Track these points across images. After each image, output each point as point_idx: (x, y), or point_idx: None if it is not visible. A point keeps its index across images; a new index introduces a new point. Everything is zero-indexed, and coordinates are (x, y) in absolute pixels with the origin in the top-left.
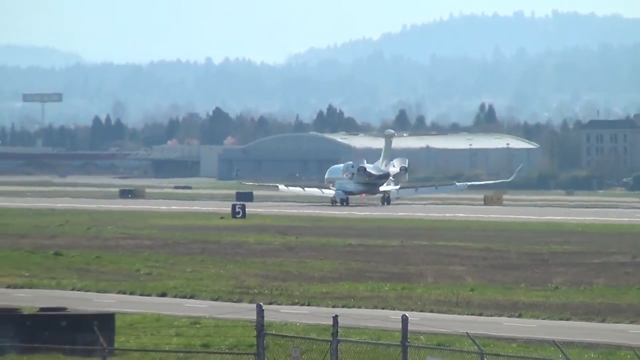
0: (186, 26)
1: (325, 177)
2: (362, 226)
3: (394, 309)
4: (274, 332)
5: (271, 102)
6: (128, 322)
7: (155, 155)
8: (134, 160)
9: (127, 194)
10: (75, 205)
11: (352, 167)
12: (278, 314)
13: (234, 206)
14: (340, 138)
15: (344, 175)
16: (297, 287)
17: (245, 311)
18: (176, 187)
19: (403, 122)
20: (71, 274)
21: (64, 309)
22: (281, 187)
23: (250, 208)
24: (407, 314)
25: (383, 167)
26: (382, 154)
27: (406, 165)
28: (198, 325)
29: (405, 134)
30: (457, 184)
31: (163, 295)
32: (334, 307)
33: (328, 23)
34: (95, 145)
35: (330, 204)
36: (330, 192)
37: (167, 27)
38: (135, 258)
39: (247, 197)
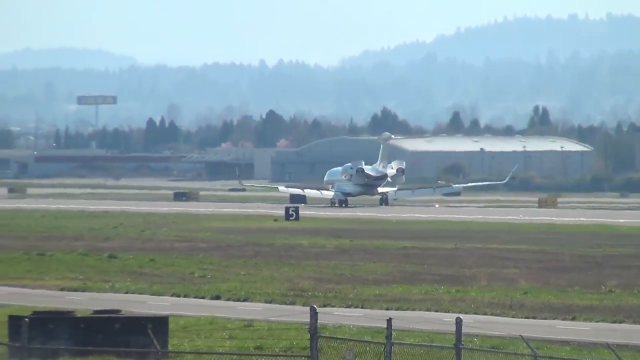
0: (240, 28)
1: (325, 179)
2: (416, 229)
3: (448, 312)
4: (327, 334)
5: (325, 104)
6: (182, 325)
7: (209, 158)
8: (188, 162)
9: (181, 196)
10: (130, 207)
11: (351, 168)
12: (332, 316)
13: (287, 209)
14: (394, 141)
15: (343, 177)
16: (350, 290)
17: (299, 314)
18: (231, 190)
19: (457, 125)
20: (125, 277)
21: (117, 311)
22: (281, 188)
23: (304, 211)
24: (461, 317)
25: (381, 169)
26: (380, 156)
27: (403, 167)
28: (251, 328)
29: (459, 136)
30: (454, 185)
31: (217, 298)
32: (387, 309)
33: (382, 25)
34: (149, 148)
35: (329, 205)
36: (329, 194)
37: (221, 30)
38: (189, 261)
39: (301, 199)
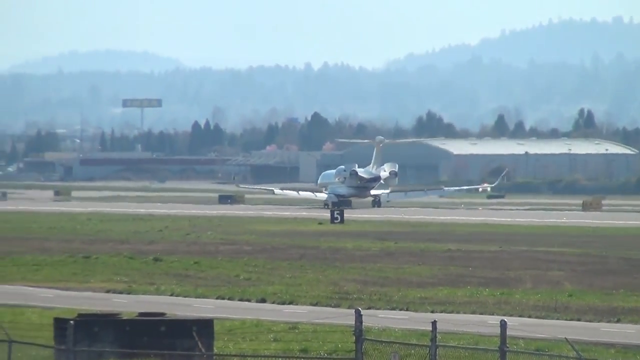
0: (286, 31)
1: (318, 182)
2: (460, 231)
3: (493, 314)
4: (372, 337)
5: (370, 107)
6: (227, 328)
7: (254, 161)
8: (233, 165)
9: (226, 199)
10: (175, 210)
11: (344, 171)
12: (376, 319)
13: (332, 212)
14: (439, 144)
15: (337, 179)
16: (395, 292)
17: (344, 316)
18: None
19: (502, 127)
20: (170, 280)
21: (163, 314)
22: (277, 190)
23: (349, 214)
24: (505, 319)
25: (374, 172)
26: (373, 159)
27: (396, 170)
28: (297, 331)
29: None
30: (445, 188)
31: (262, 300)
32: (432, 312)
33: (427, 28)
34: (194, 151)
35: (322, 207)
36: (323, 196)
37: (267, 32)
38: (235, 263)
39: (347, 202)
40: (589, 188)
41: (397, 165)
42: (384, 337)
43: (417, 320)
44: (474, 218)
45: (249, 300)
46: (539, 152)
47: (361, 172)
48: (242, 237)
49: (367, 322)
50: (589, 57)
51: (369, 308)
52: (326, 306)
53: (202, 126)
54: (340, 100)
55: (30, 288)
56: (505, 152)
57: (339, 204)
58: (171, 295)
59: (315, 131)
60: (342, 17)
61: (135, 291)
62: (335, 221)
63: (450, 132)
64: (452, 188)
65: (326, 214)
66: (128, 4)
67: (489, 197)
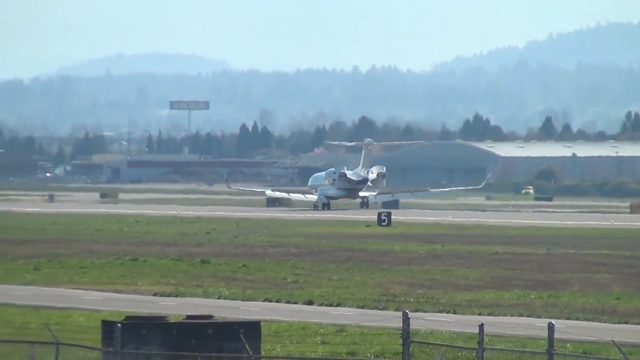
0: (333, 34)
1: (309, 184)
2: (508, 234)
3: (540, 317)
4: (419, 339)
5: (417, 110)
6: (274, 330)
7: (302, 163)
8: (281, 168)
9: (274, 202)
10: (222, 213)
11: (334, 173)
12: (424, 321)
13: (379, 214)
14: (487, 146)
15: (326, 181)
16: (442, 295)
17: (391, 319)
18: None
19: (549, 130)
20: (218, 282)
21: (210, 317)
22: (268, 192)
23: (396, 216)
24: (553, 322)
25: (362, 174)
26: (361, 161)
27: (384, 172)
28: (344, 333)
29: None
30: (431, 190)
31: (309, 303)
32: (479, 314)
33: (474, 31)
34: (242, 153)
35: (312, 208)
36: (313, 197)
37: (315, 35)
38: (282, 266)
39: (393, 204)
40: (636, 190)
41: (384, 168)
42: (431, 339)
43: (464, 323)
44: (521, 220)
45: (296, 303)
46: (586, 154)
47: (350, 174)
48: (290, 240)
49: (414, 324)
50: (637, 59)
51: (416, 310)
52: (373, 309)
53: (250, 129)
54: (388, 102)
55: (78, 290)
56: (552, 155)
57: (328, 205)
58: (219, 297)
59: (363, 134)
60: (390, 20)
61: (183, 294)
62: (383, 223)
63: (497, 134)
64: (438, 189)
65: (373, 217)
66: (176, 7)
67: (537, 199)
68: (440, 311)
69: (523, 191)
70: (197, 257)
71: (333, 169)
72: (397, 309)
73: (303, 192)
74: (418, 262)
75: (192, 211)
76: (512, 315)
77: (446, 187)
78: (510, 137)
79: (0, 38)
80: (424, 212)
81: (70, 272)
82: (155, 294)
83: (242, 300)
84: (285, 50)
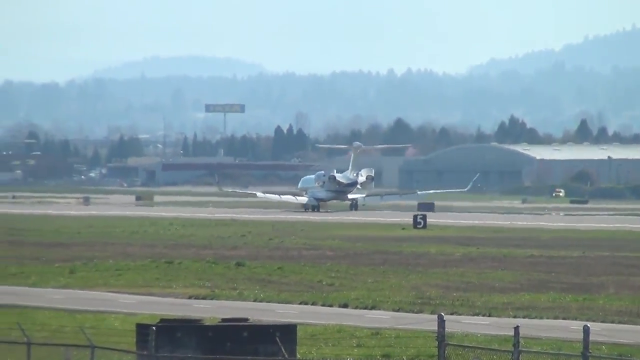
0: (369, 37)
1: (299, 186)
2: (543, 237)
3: (575, 320)
4: (455, 342)
5: (452, 112)
6: (310, 333)
7: (337, 166)
8: (317, 170)
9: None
10: (258, 216)
11: (324, 175)
12: (459, 324)
13: (415, 217)
14: (522, 149)
15: (316, 184)
16: (478, 298)
17: (427, 322)
18: None
19: (584, 133)
20: (253, 285)
21: (246, 319)
22: (259, 194)
23: (432, 219)
24: (588, 325)
25: (351, 176)
26: (350, 164)
27: (372, 175)
28: (379, 336)
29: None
30: (419, 192)
31: (345, 306)
32: (515, 317)
33: (509, 34)
34: (277, 156)
35: (303, 210)
36: (303, 199)
37: (350, 38)
38: (317, 269)
39: (429, 207)
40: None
41: (373, 170)
42: (466, 342)
43: (500, 326)
44: (556, 223)
45: (331, 306)
46: (621, 157)
47: (339, 176)
48: (325, 243)
49: (449, 327)
50: None
51: (452, 313)
52: (409, 311)
53: (285, 131)
54: (423, 105)
55: (113, 293)
56: (588, 158)
57: (318, 207)
58: (254, 300)
59: (398, 137)
60: (426, 22)
61: (218, 297)
62: (418, 226)
63: (533, 137)
64: (425, 192)
65: (409, 219)
66: (211, 10)
67: (572, 202)
68: (476, 314)
69: (553, 194)
70: (232, 260)
71: (322, 171)
72: (432, 312)
73: (294, 194)
74: (454, 264)
75: (227, 214)
76: (547, 318)
77: (450, 190)
78: (546, 140)
79: (36, 41)
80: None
81: (105, 275)
82: (190, 297)
83: (278, 303)
84: (320, 53)
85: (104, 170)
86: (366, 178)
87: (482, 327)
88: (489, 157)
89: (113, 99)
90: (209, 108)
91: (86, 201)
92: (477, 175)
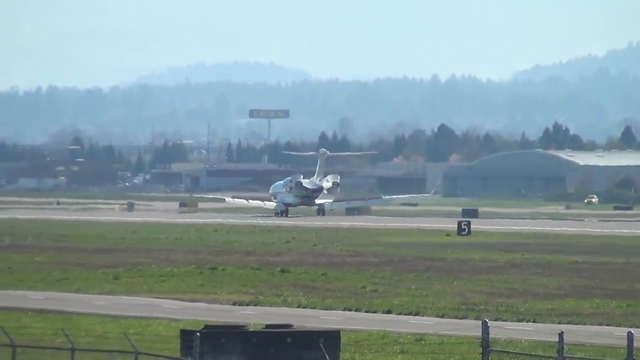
0: (412, 43)
1: (269, 191)
2: (587, 243)
3: (619, 326)
4: (499, 348)
5: (496, 118)
6: (353, 339)
7: (381, 172)
8: (360, 177)
9: (353, 211)
10: (302, 222)
11: (291, 181)
12: (503, 330)
13: (459, 223)
14: (566, 155)
15: (284, 190)
16: (522, 304)
17: (471, 328)
18: (403, 204)
19: (629, 139)
20: (297, 291)
21: (289, 325)
22: (228, 199)
23: (476, 225)
24: (632, 331)
25: (318, 182)
26: (317, 170)
27: (338, 181)
28: (423, 342)
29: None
30: (384, 197)
31: (388, 312)
32: (559, 323)
33: (553, 40)
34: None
35: (274, 215)
36: (271, 204)
37: (394, 45)
38: (361, 275)
39: (473, 213)
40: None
41: (338, 177)
42: (510, 348)
43: (544, 332)
44: (600, 230)
45: (375, 312)
46: None
47: (306, 182)
48: (369, 249)
49: (493, 333)
50: None
51: (496, 319)
52: (453, 318)
53: (329, 137)
54: (467, 111)
55: (157, 300)
56: (632, 164)
57: (286, 212)
58: (298, 307)
59: (442, 143)
60: (469, 28)
61: (262, 303)
62: (463, 233)
63: (576, 143)
64: (391, 197)
65: (453, 226)
66: (256, 16)
67: (616, 208)
68: (520, 320)
69: (585, 200)
70: (276, 266)
71: (290, 177)
72: (476, 318)
73: (262, 200)
74: (497, 271)
75: (271, 220)
76: (591, 324)
77: (410, 195)
78: (590, 146)
79: (80, 47)
80: (506, 221)
81: (150, 281)
82: (234, 303)
83: (322, 309)
84: (364, 59)
85: (147, 176)
86: (332, 184)
87: (526, 333)
88: (533, 164)
89: (157, 105)
90: (253, 114)
91: (130, 207)
92: (438, 183)
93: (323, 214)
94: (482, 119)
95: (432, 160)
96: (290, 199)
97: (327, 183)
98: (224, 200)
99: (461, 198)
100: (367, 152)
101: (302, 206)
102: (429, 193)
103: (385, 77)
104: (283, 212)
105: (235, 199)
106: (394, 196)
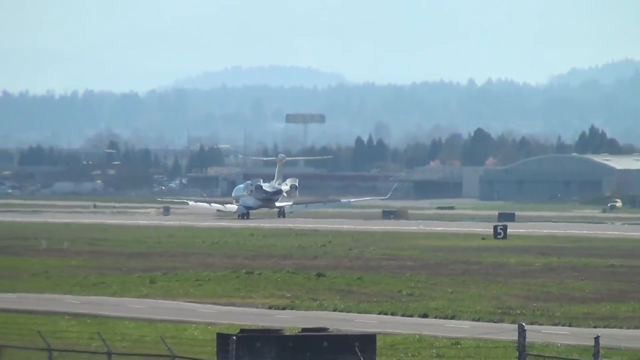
0: (448, 47)
1: (232, 195)
2: (624, 246)
3: None
4: (535, 352)
5: (533, 122)
6: (389, 343)
7: (417, 177)
8: (396, 181)
9: (389, 215)
10: (338, 226)
11: (251, 185)
12: (539, 334)
13: (495, 227)
14: (602, 159)
15: (245, 193)
16: (558, 308)
17: (507, 332)
18: (439, 208)
19: None
20: (333, 295)
21: (325, 329)
22: (190, 202)
23: (512, 229)
24: None
25: (277, 186)
26: (276, 174)
27: (296, 184)
28: (459, 346)
29: None
30: (342, 200)
31: (424, 315)
32: (595, 327)
33: (590, 44)
34: (357, 166)
35: (237, 218)
36: (232, 207)
37: (430, 49)
38: (397, 279)
39: (509, 217)
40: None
41: (297, 180)
42: (546, 352)
43: (580, 336)
44: (637, 233)
45: (411, 316)
46: None
47: (265, 186)
48: (405, 253)
49: (529, 337)
50: None
51: (532, 323)
52: (489, 321)
53: (365, 142)
54: (504, 115)
55: (193, 304)
56: None
57: (247, 215)
58: (334, 310)
59: (479, 147)
60: (506, 32)
61: (298, 307)
62: (499, 237)
63: (613, 147)
64: (348, 200)
65: (489, 230)
66: (291, 20)
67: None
68: (556, 324)
69: (609, 204)
70: (312, 270)
71: (250, 181)
72: (512, 322)
73: (223, 203)
74: (534, 274)
75: (307, 224)
76: (628, 328)
77: (367, 198)
78: (627, 150)
79: (116, 52)
80: (545, 224)
81: (186, 285)
82: (270, 307)
83: (358, 313)
84: (400, 63)
85: (184, 180)
86: (290, 187)
87: (562, 337)
88: (569, 167)
89: (193, 109)
90: (289, 118)
91: (166, 211)
92: (396, 184)
93: (284, 217)
94: (519, 123)
95: (469, 164)
96: (251, 201)
97: (285, 186)
98: (187, 203)
99: (497, 202)
100: (321, 157)
101: (263, 208)
102: (385, 196)
103: (422, 81)
104: (244, 214)
105: (198, 203)
106: (353, 199)
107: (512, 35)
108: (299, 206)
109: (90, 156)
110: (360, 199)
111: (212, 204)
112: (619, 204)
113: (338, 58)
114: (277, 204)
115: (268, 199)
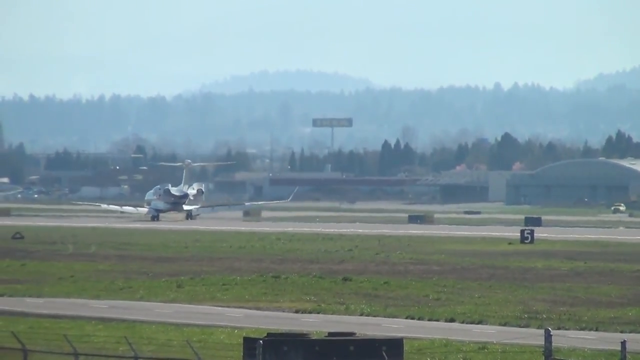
0: (475, 52)
1: (145, 198)
2: None
3: None
4: (561, 357)
5: (560, 127)
6: (416, 347)
7: (444, 181)
8: (423, 185)
9: (415, 219)
10: (364, 230)
11: (160, 189)
12: (565, 339)
13: (522, 231)
14: (629, 164)
15: (155, 197)
16: (584, 312)
17: (533, 336)
18: (466, 212)
19: None
20: (359, 299)
21: (352, 333)
22: (103, 205)
23: (539, 233)
24: None
25: (184, 190)
26: (183, 179)
27: (202, 189)
28: (486, 351)
29: None
30: (246, 203)
31: (451, 320)
32: (622, 332)
33: (617, 48)
34: (384, 171)
35: (149, 220)
36: (143, 210)
37: (457, 53)
38: (424, 283)
39: (536, 222)
40: (268, 203)
41: (203, 185)
42: (573, 357)
43: (606, 341)
44: None
45: (438, 320)
46: None
47: (173, 190)
48: (432, 257)
49: (556, 342)
50: None
51: (559, 328)
52: (515, 326)
53: (392, 146)
54: (530, 120)
55: (220, 308)
56: None
57: (157, 217)
58: (361, 315)
59: (505, 151)
60: (533, 37)
61: (325, 311)
62: (526, 241)
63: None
64: (252, 203)
65: (516, 234)
66: (319, 25)
67: None
68: (582, 329)
69: (612, 208)
70: (339, 275)
71: (159, 185)
72: (539, 327)
73: (135, 206)
74: (560, 279)
75: (334, 228)
76: None
77: (276, 201)
78: None
79: (143, 56)
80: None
81: (212, 290)
82: (296, 311)
83: (384, 318)
84: (427, 67)
85: (211, 185)
86: (197, 191)
87: (589, 342)
88: (596, 172)
89: (220, 114)
90: (316, 123)
91: (193, 216)
92: (297, 188)
93: (191, 219)
94: (545, 128)
95: (495, 168)
96: (161, 205)
97: (192, 190)
98: (99, 206)
99: (524, 206)
100: (225, 163)
101: (171, 212)
102: (288, 199)
103: (449, 85)
104: (154, 217)
105: (110, 206)
106: (260, 202)
107: (539, 40)
108: (205, 209)
109: (117, 161)
110: (269, 202)
111: (123, 207)
112: (622, 207)
113: (365, 62)
114: (185, 207)
115: (176, 202)
